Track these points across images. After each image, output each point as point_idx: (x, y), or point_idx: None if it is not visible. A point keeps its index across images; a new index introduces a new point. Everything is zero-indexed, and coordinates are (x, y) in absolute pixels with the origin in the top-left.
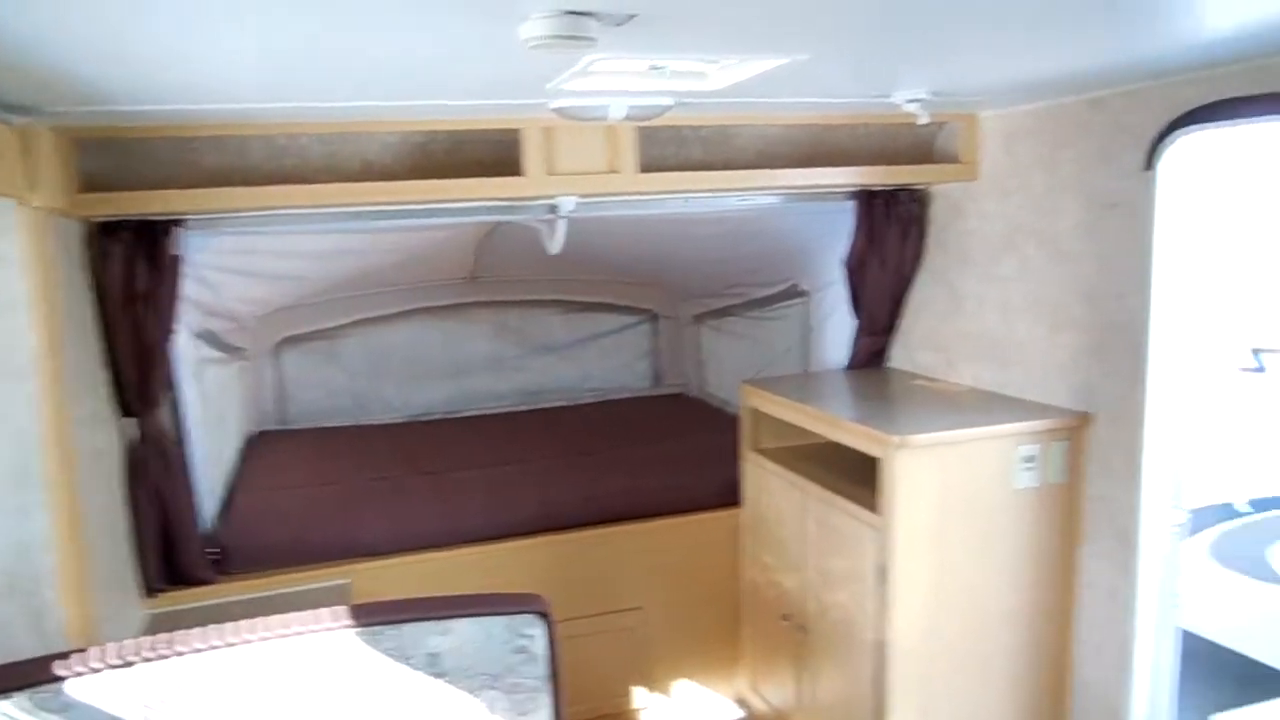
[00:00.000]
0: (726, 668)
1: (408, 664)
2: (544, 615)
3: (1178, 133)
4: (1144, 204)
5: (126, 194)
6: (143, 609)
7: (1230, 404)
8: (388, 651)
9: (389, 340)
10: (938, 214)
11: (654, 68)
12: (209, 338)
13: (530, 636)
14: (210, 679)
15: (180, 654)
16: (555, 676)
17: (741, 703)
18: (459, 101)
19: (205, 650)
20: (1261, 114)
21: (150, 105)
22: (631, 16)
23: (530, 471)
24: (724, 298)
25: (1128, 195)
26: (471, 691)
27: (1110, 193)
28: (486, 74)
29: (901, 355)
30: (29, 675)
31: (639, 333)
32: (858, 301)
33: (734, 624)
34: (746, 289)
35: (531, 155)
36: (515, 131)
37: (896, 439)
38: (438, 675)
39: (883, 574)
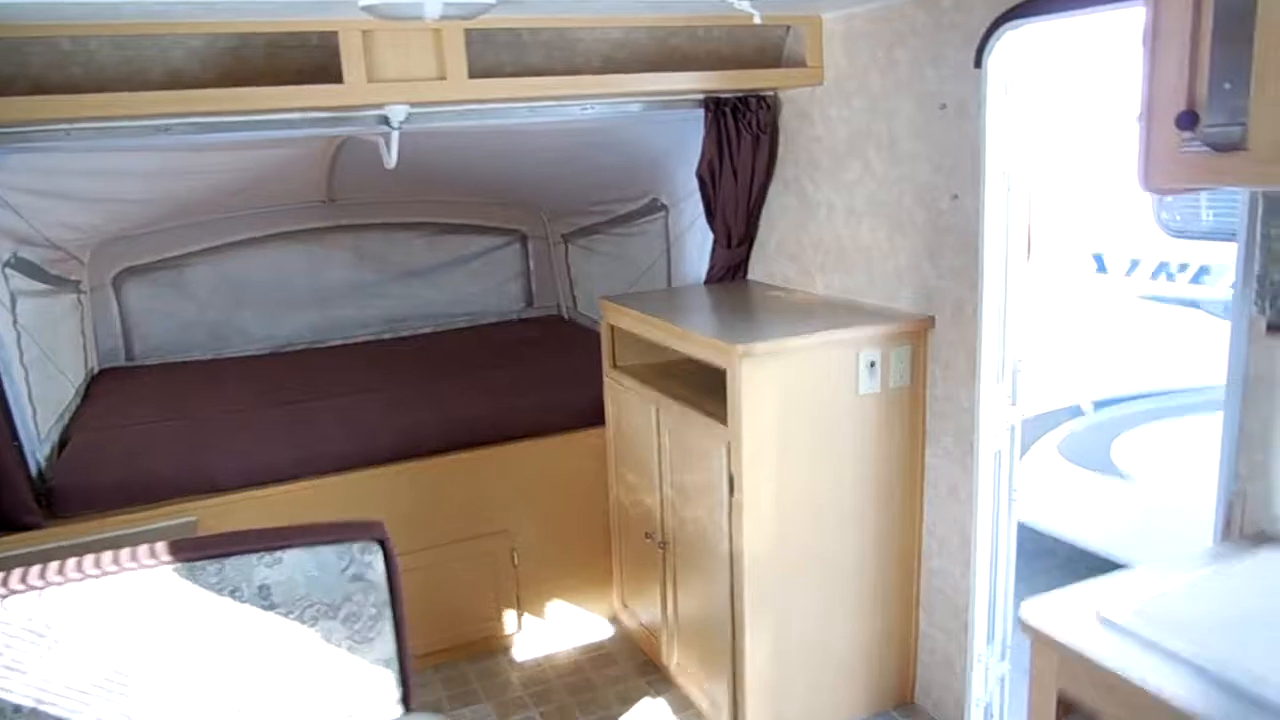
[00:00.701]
0: (599, 587)
1: (235, 598)
2: (381, 541)
3: (1004, 29)
4: (975, 103)
5: None
6: None
7: (1073, 307)
8: (213, 586)
9: (244, 268)
10: (787, 121)
11: None
12: (25, 268)
13: (367, 563)
14: (16, 626)
15: None
16: (395, 603)
17: (614, 620)
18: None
19: (4, 596)
20: (1083, 6)
21: None
22: None
23: (391, 399)
24: (589, 215)
25: (959, 95)
26: (307, 622)
27: (942, 93)
28: None
29: (760, 267)
30: None
31: (509, 254)
32: (713, 214)
33: (605, 543)
34: (609, 205)
35: (351, 60)
36: (333, 34)
37: (740, 348)
38: (269, 608)
39: (733, 484)
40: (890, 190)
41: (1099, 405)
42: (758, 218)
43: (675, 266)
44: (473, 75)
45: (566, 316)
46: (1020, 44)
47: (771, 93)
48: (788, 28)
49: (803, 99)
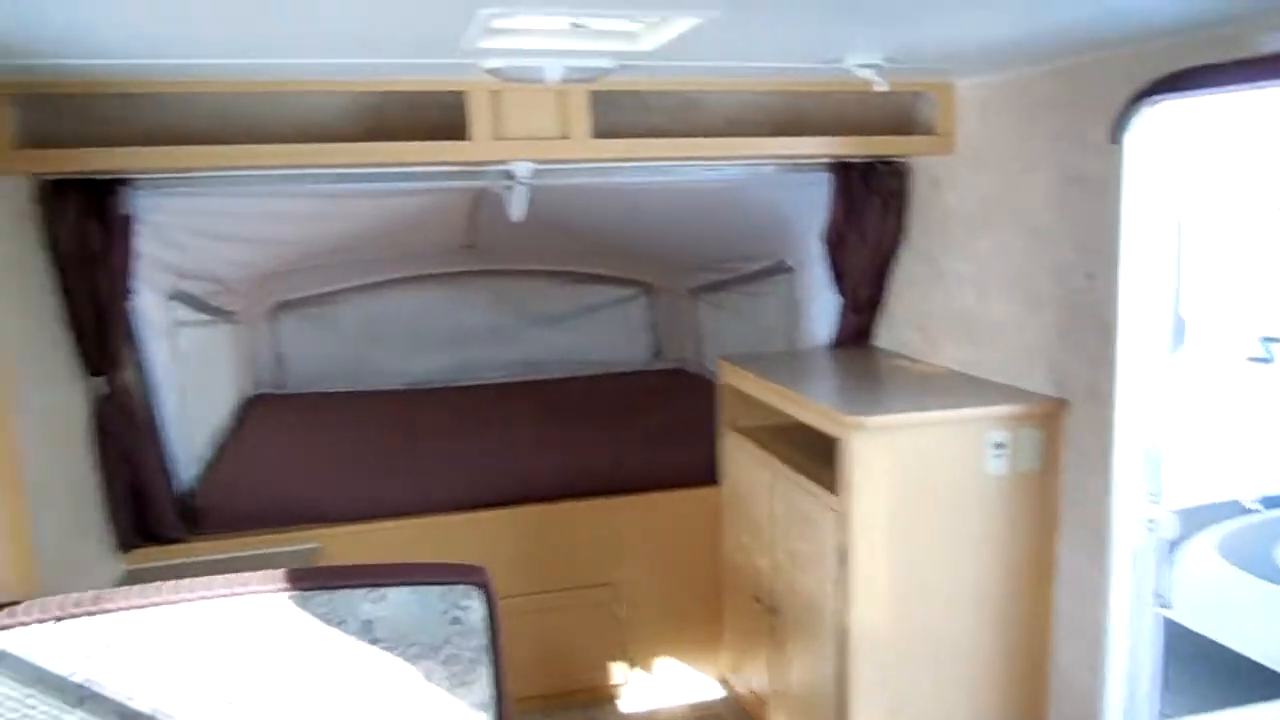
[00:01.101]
0: (709, 646)
1: (341, 629)
2: (482, 586)
3: (1143, 104)
4: (1112, 179)
5: (64, 151)
6: (123, 564)
7: (1237, 395)
8: (320, 616)
9: (387, 307)
10: (919, 187)
11: (575, 25)
12: (187, 299)
13: (466, 608)
14: (140, 638)
15: (105, 612)
16: (494, 649)
17: (724, 683)
18: (394, 60)
19: (130, 609)
20: (1229, 83)
21: (85, 60)
22: None
23: (514, 443)
24: (718, 272)
25: (1095, 170)
26: (407, 660)
27: (1078, 167)
28: (394, 30)
29: (886, 334)
30: None
31: (639, 305)
32: (839, 277)
33: (716, 603)
34: (737, 263)
35: (478, 119)
36: (461, 94)
37: (853, 419)
38: (372, 642)
39: (843, 557)
40: (1023, 265)
41: (1267, 503)
42: (886, 283)
43: (801, 327)
44: (597, 135)
45: (692, 370)
46: (1163, 119)
47: (903, 159)
48: (919, 93)
49: (935, 166)
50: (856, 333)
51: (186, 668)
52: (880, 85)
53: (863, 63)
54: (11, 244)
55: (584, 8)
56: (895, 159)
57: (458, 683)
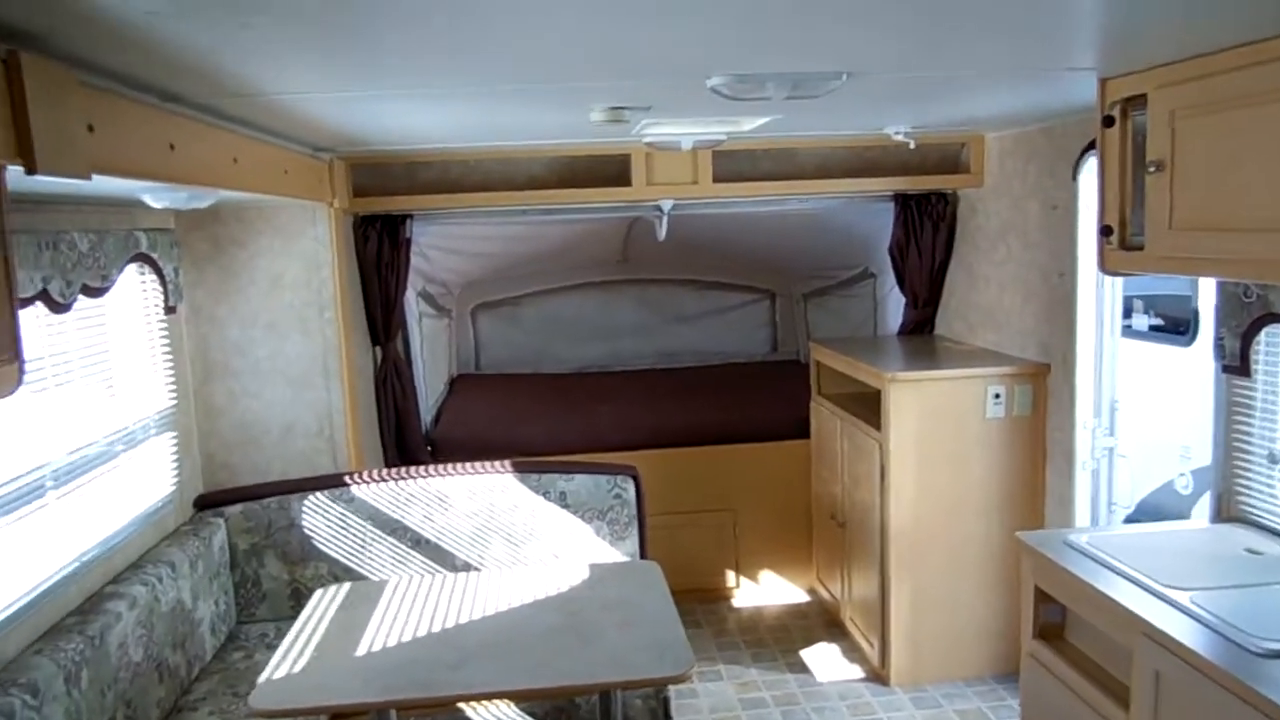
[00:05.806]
0: (802, 564)
1: (546, 497)
2: (634, 477)
3: (1090, 154)
4: (1073, 205)
5: (376, 198)
6: None
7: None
8: (533, 488)
9: (557, 309)
10: (962, 212)
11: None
12: (427, 298)
13: (624, 489)
14: (427, 496)
15: (411, 478)
16: (640, 518)
17: (811, 591)
18: (584, 140)
19: (425, 478)
20: None
21: (392, 145)
22: (648, 108)
23: (655, 407)
24: (821, 279)
25: (1064, 199)
26: (585, 520)
27: (1054, 197)
28: (594, 129)
29: (943, 324)
30: (331, 481)
31: (759, 308)
32: (902, 281)
33: (807, 530)
34: (834, 271)
35: (637, 171)
36: (627, 156)
37: (889, 375)
38: (564, 506)
39: (882, 475)
40: (1023, 269)
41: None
42: (940, 285)
43: (881, 322)
44: (717, 180)
45: (802, 360)
46: None
47: (951, 191)
48: (963, 144)
49: (972, 196)
50: (919, 324)
51: (452, 516)
52: (911, 145)
53: (895, 130)
54: (346, 257)
55: (698, 115)
56: (945, 190)
57: (617, 537)
